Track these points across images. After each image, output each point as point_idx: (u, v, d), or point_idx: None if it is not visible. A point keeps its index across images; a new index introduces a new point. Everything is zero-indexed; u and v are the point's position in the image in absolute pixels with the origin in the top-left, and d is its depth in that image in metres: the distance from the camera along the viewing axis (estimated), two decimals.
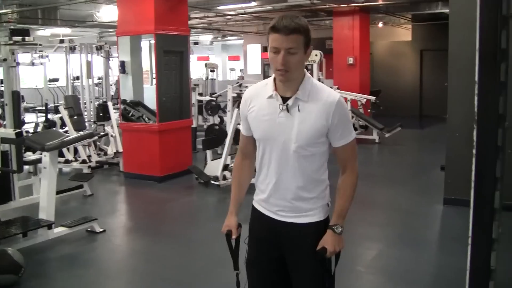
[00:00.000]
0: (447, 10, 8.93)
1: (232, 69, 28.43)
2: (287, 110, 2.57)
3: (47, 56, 9.76)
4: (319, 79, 8.51)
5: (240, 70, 26.59)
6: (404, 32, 18.88)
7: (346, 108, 2.65)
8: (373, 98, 13.60)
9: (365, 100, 13.65)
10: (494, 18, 2.07)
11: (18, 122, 6.87)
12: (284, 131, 2.58)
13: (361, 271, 5.16)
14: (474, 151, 2.14)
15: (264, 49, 22.13)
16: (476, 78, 2.16)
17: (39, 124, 12.11)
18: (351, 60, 15.31)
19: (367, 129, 13.63)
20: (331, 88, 12.68)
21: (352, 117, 13.15)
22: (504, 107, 2.14)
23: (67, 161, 9.70)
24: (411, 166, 10.75)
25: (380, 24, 17.98)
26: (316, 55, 8.36)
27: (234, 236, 2.80)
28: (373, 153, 12.34)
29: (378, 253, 5.66)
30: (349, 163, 2.69)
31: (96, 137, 9.82)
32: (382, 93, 15.76)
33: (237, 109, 8.61)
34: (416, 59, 18.66)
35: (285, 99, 2.59)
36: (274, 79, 2.64)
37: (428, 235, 6.32)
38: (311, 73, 8.70)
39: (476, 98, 2.15)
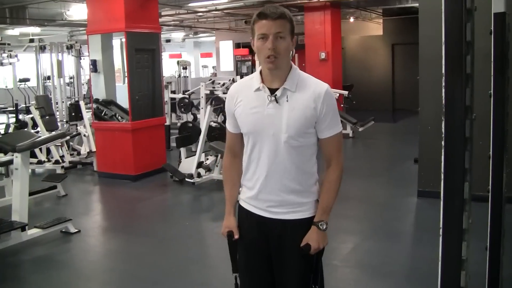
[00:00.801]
0: (417, 4, 8.99)
1: (204, 66, 28.32)
2: (276, 101, 2.56)
3: (16, 55, 9.62)
4: None
5: (213, 67, 26.52)
6: (375, 27, 19.03)
7: (334, 99, 2.64)
8: (345, 92, 13.68)
9: (337, 95, 13.70)
10: (459, 10, 2.10)
11: None
12: (274, 122, 2.56)
13: (337, 265, 5.17)
14: (442, 143, 2.16)
15: (237, 46, 22.12)
16: (443, 71, 2.19)
17: (10, 125, 11.95)
18: (323, 55, 15.36)
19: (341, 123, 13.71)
20: None
21: None
22: (470, 99, 2.17)
23: (40, 162, 9.59)
24: (385, 159, 10.87)
25: (352, 19, 18.09)
26: None
27: (236, 236, 2.76)
28: (347, 147, 12.39)
29: (353, 246, 5.71)
30: (334, 156, 2.68)
31: (68, 137, 9.74)
32: (354, 88, 15.89)
33: (209, 106, 8.62)
34: (388, 53, 18.80)
35: (272, 91, 2.58)
36: (260, 72, 2.64)
37: (402, 227, 6.40)
38: None
39: (443, 90, 2.18)
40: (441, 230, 2.22)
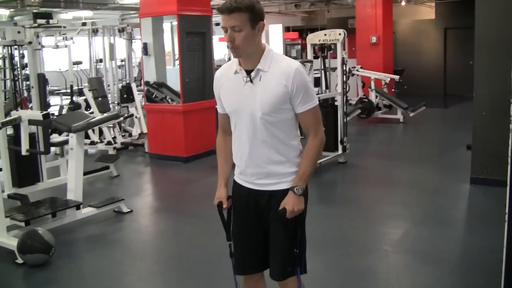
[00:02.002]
0: None
1: None
2: (251, 81, 2.77)
3: (71, 38, 9.79)
4: (343, 59, 8.44)
5: None
6: (427, 10, 18.65)
7: (305, 76, 2.79)
8: (396, 77, 13.50)
9: (388, 79, 13.57)
10: None
11: (44, 104, 6.93)
12: (249, 101, 2.77)
13: (387, 250, 5.15)
14: (510, 126, 2.10)
15: (286, 29, 22.02)
16: None
17: (64, 106, 12.19)
18: (374, 39, 15.20)
19: (391, 108, 13.55)
20: (354, 67, 12.73)
21: (376, 96, 13.07)
22: None
23: (93, 143, 9.78)
24: (436, 145, 10.67)
25: (403, 3, 17.76)
26: (339, 34, 8.25)
27: (225, 206, 2.98)
28: (397, 132, 12.27)
29: (404, 232, 5.64)
30: (312, 128, 2.84)
31: (121, 118, 9.87)
32: (405, 72, 15.62)
33: None
34: (440, 38, 18.39)
35: (248, 72, 2.78)
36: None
37: (454, 214, 6.27)
38: (335, 52, 8.63)
39: None
40: (506, 216, 2.17)
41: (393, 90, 14.09)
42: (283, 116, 2.78)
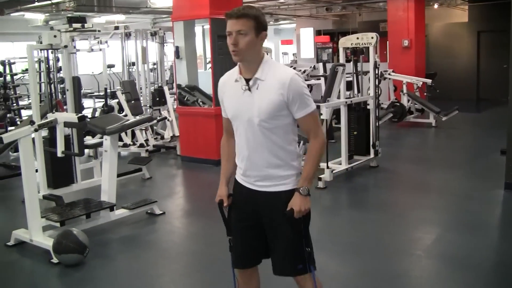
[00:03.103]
0: None
1: (285, 53, 28.31)
2: (249, 89, 2.92)
3: (106, 42, 9.90)
4: (375, 62, 8.41)
5: (293, 54, 26.47)
6: (460, 13, 18.46)
7: (300, 83, 2.90)
8: (429, 81, 13.37)
9: (421, 83, 13.45)
10: None
11: (79, 107, 7.02)
12: (248, 108, 2.92)
13: (420, 255, 5.11)
14: None
15: (317, 33, 21.99)
16: None
17: (97, 109, 12.34)
18: (406, 43, 15.10)
19: (423, 112, 13.43)
20: (386, 71, 12.65)
21: (408, 100, 12.97)
22: None
23: (125, 145, 9.88)
24: (469, 150, 10.54)
25: (436, 6, 17.62)
26: (372, 38, 8.22)
27: (225, 204, 3.16)
28: (429, 136, 12.16)
29: (436, 237, 5.59)
30: (311, 131, 2.98)
31: (155, 121, 9.96)
32: (438, 76, 15.46)
33: None
34: (473, 41, 18.17)
35: (248, 81, 2.93)
36: (239, 65, 2.98)
37: (488, 220, 6.19)
38: (367, 56, 8.60)
39: None
40: None
41: (425, 94, 13.97)
42: (280, 122, 2.93)
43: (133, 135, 10.23)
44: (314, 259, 3.07)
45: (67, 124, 5.78)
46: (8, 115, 11.09)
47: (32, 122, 5.52)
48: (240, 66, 2.98)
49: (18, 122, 11.33)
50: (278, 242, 3.04)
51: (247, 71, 2.94)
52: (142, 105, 11.21)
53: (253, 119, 2.91)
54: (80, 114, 5.63)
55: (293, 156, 3.01)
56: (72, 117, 5.67)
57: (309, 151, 3.01)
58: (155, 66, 13.10)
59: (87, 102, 15.78)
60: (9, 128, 10.76)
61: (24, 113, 12.95)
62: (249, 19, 2.84)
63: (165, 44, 12.88)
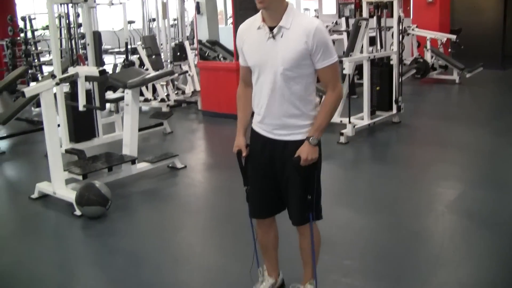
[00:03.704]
0: None
1: (306, 9, 27.94)
2: (273, 37, 2.90)
3: None
4: (399, 17, 8.25)
5: (315, 10, 26.10)
6: None
7: (325, 33, 2.89)
8: (453, 37, 13.11)
9: (445, 39, 13.20)
10: None
11: (100, 61, 6.99)
12: (271, 56, 2.90)
13: (443, 211, 5.05)
14: None
15: None
16: None
17: (118, 65, 12.32)
18: None
19: (447, 69, 13.22)
20: (409, 27, 12.42)
21: (432, 56, 12.76)
22: None
23: (146, 100, 9.89)
24: (493, 107, 10.37)
25: None
26: None
27: (244, 154, 3.18)
28: (453, 93, 11.99)
29: (460, 193, 5.51)
30: (330, 83, 2.97)
31: (176, 75, 9.92)
32: (462, 32, 15.11)
33: None
34: None
35: (271, 29, 2.90)
36: (262, 13, 2.95)
37: None
38: (390, 11, 8.44)
39: None
40: None
41: (449, 50, 13.72)
42: (302, 72, 2.92)
43: (154, 90, 10.23)
44: (319, 208, 3.18)
45: (88, 78, 5.76)
46: (29, 71, 11.11)
47: (53, 76, 5.52)
48: (263, 14, 2.94)
49: (40, 78, 11.37)
50: (290, 191, 3.10)
51: (271, 19, 2.90)
52: (163, 60, 11.17)
53: (277, 67, 2.90)
54: (101, 68, 5.60)
55: (311, 106, 3.02)
56: (93, 71, 5.64)
57: (325, 102, 3.01)
58: (176, 21, 12.98)
59: (107, 58, 15.76)
60: (31, 84, 10.83)
61: (46, 69, 12.98)
62: None
63: (185, 0, 12.76)
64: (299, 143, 2.98)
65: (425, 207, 5.19)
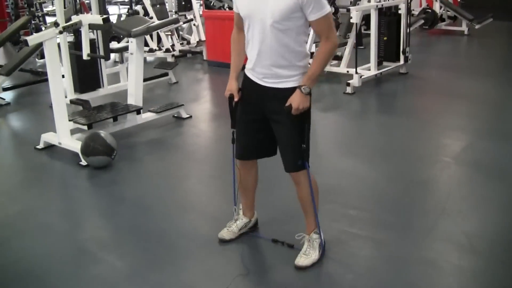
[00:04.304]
0: None
1: None
2: None
3: None
4: None
5: None
6: None
7: None
8: None
9: None
10: None
11: (104, 9, 6.89)
12: (261, 8, 2.93)
13: (449, 162, 5.02)
14: None
15: None
16: None
17: (122, 15, 12.18)
18: None
19: (455, 19, 13.02)
20: None
21: (441, 7, 12.56)
22: None
23: (151, 50, 9.79)
24: (502, 59, 10.25)
25: None
26: None
27: (236, 99, 3.28)
28: (461, 45, 11.83)
29: (467, 144, 5.49)
30: (323, 34, 2.99)
31: (181, 23, 9.79)
32: None
33: None
34: None
35: None
36: None
37: None
38: None
39: None
40: None
41: (458, 0, 13.49)
42: (292, 24, 2.94)
43: (159, 40, 10.12)
44: (308, 156, 3.18)
45: (92, 26, 5.69)
46: (32, 21, 10.98)
47: (56, 24, 5.45)
48: None
49: (43, 28, 11.25)
50: (281, 138, 3.20)
51: None
52: (167, 10, 11.03)
53: (266, 20, 2.94)
54: (105, 16, 5.53)
55: (300, 56, 3.06)
56: (97, 18, 5.57)
57: (318, 52, 3.06)
58: None
59: (111, 9, 15.60)
60: (34, 34, 10.72)
61: (49, 19, 12.82)
62: None
63: None
64: (288, 90, 3.04)
65: (432, 157, 5.16)
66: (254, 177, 3.57)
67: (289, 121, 3.06)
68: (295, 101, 3.00)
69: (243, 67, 3.31)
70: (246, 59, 3.26)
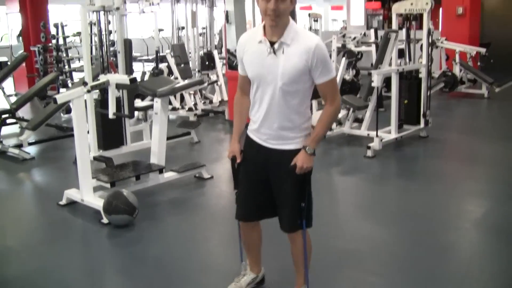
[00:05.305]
0: None
1: (334, 20, 27.96)
2: (274, 52, 3.03)
3: (157, 4, 9.90)
4: (429, 29, 8.20)
5: (343, 21, 26.10)
6: None
7: (325, 50, 3.02)
8: (483, 50, 12.99)
9: (474, 52, 13.08)
10: None
11: (130, 69, 7.05)
12: (271, 71, 3.03)
13: (469, 228, 5.01)
14: None
15: None
16: None
17: (146, 72, 12.42)
18: (460, 10, 14.66)
19: (475, 83, 13.09)
20: (438, 39, 12.29)
21: (461, 70, 12.66)
22: None
23: (174, 109, 9.94)
24: None
25: None
26: (426, 3, 8.00)
27: (238, 160, 3.33)
28: (481, 108, 11.85)
29: (487, 210, 5.45)
30: (329, 97, 3.12)
31: (205, 84, 9.95)
32: (492, 46, 14.99)
33: (345, 59, 8.50)
34: None
35: (272, 44, 3.03)
36: (264, 26, 3.06)
37: None
38: (421, 23, 8.39)
39: None
40: None
41: (478, 64, 13.59)
42: (300, 87, 3.06)
43: (182, 99, 10.28)
44: (311, 216, 3.28)
45: (118, 86, 5.82)
46: (60, 77, 11.25)
47: (85, 83, 5.58)
48: (265, 28, 3.06)
49: (70, 84, 11.51)
50: (281, 198, 3.26)
51: (273, 34, 3.03)
52: (191, 69, 11.23)
53: (276, 82, 3.04)
54: (132, 76, 5.65)
55: (304, 118, 3.17)
56: (124, 79, 5.70)
57: (323, 114, 3.17)
58: (205, 30, 13.06)
59: (136, 66, 15.88)
60: (61, 90, 10.97)
61: (76, 75, 13.14)
62: None
63: (214, 8, 12.84)
64: (291, 152, 3.14)
65: (453, 223, 5.14)
66: (257, 237, 3.63)
67: (291, 181, 3.15)
68: (300, 161, 3.10)
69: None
70: (248, 120, 3.35)
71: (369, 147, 7.37)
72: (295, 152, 3.14)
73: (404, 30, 8.85)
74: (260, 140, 3.23)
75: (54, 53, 12.13)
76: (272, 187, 3.27)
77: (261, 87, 3.12)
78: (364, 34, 14.85)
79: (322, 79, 3.04)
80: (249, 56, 3.15)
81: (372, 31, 14.65)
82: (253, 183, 3.33)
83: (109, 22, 7.44)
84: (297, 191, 3.18)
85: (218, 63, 10.83)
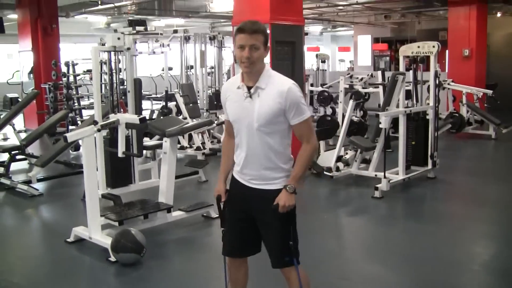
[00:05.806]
0: None
1: (341, 60, 28.19)
2: (250, 96, 3.21)
3: (168, 45, 10.04)
4: (436, 72, 8.28)
5: (350, 62, 26.32)
6: None
7: (298, 93, 3.18)
8: (489, 91, 13.05)
9: (481, 93, 13.14)
10: None
11: (140, 109, 7.12)
12: (248, 114, 3.21)
13: (478, 271, 4.99)
14: None
15: (375, 40, 21.78)
16: None
17: (155, 111, 12.51)
18: (466, 52, 14.78)
19: (482, 124, 13.11)
20: (445, 81, 12.34)
21: (468, 111, 12.70)
22: None
23: (182, 148, 9.99)
24: None
25: (499, 14, 17.19)
26: (433, 47, 8.09)
27: (223, 199, 3.45)
28: (489, 149, 11.87)
29: (496, 252, 5.47)
30: (304, 137, 3.27)
31: (214, 125, 10.00)
32: (499, 87, 15.06)
33: (352, 100, 8.57)
34: None
35: (249, 88, 3.22)
36: (242, 73, 3.25)
37: None
38: (427, 65, 8.47)
39: None
40: None
41: (485, 105, 13.65)
42: (277, 128, 3.22)
43: (190, 138, 10.33)
44: (298, 252, 3.36)
45: (128, 125, 5.88)
46: (69, 114, 11.35)
47: (95, 122, 5.65)
48: (243, 74, 3.25)
49: (79, 122, 11.61)
50: (268, 236, 3.38)
51: (250, 79, 3.22)
52: (199, 108, 11.32)
53: (253, 124, 3.20)
54: (141, 116, 5.72)
55: (285, 159, 3.31)
56: (133, 118, 5.76)
57: (300, 154, 3.29)
58: (213, 70, 13.21)
59: (144, 104, 15.99)
60: (70, 127, 11.06)
61: (85, 113, 13.24)
62: (261, 34, 3.15)
63: (223, 48, 12.99)
64: (274, 192, 3.26)
65: (461, 266, 5.12)
66: (243, 275, 3.68)
67: (276, 220, 3.25)
68: (282, 200, 3.21)
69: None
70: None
71: (376, 188, 7.37)
72: (278, 192, 3.26)
73: (411, 72, 8.92)
74: (244, 180, 3.36)
75: (64, 91, 12.25)
76: (258, 226, 3.38)
77: (241, 130, 3.28)
78: (371, 75, 14.96)
79: (297, 119, 3.19)
80: (230, 101, 3.33)
81: (379, 72, 14.77)
82: (238, 221, 3.44)
83: (119, 61, 7.54)
84: (282, 229, 3.29)
85: None
